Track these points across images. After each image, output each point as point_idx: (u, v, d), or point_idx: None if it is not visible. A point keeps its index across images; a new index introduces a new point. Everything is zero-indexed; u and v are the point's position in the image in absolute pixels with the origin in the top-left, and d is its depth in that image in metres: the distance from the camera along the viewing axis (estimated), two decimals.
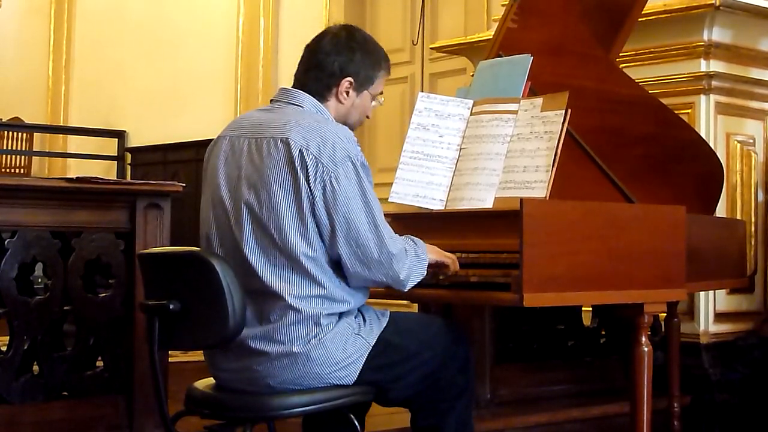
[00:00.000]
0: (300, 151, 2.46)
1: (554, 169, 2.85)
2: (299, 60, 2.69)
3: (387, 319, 2.62)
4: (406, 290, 2.60)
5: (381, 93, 2.75)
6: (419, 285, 2.68)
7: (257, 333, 2.50)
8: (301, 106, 2.63)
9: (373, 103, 2.74)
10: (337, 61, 2.63)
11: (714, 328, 4.21)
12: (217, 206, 2.58)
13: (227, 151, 2.60)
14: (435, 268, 2.69)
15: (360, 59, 2.66)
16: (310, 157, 2.45)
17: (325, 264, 2.50)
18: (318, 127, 2.52)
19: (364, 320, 2.58)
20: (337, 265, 2.52)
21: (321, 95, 2.65)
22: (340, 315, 2.53)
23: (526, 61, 3.15)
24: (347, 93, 2.66)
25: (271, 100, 2.71)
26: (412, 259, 2.56)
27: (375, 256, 2.48)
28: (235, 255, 2.52)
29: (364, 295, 2.63)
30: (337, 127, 2.56)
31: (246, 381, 2.55)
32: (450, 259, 2.72)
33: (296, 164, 2.45)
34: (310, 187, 2.44)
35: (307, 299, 2.47)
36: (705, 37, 4.24)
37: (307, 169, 2.44)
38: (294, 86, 2.68)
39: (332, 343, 2.49)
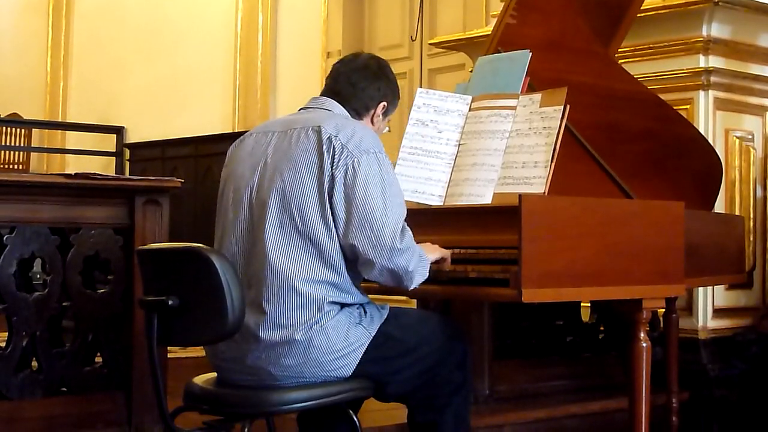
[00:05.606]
0: (329, 137, 2.56)
1: (553, 164, 2.85)
2: (330, 75, 2.83)
3: (387, 312, 2.65)
4: (411, 288, 2.61)
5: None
6: None
7: (260, 318, 2.51)
8: (332, 111, 2.73)
9: (385, 129, 2.91)
10: (379, 86, 2.81)
11: (712, 323, 4.21)
12: (239, 191, 2.64)
13: (253, 145, 2.70)
14: (437, 265, 2.72)
15: (392, 89, 2.86)
16: (338, 142, 2.55)
17: (338, 250, 2.53)
18: (348, 122, 2.67)
19: (365, 311, 2.61)
20: (348, 258, 2.55)
21: (358, 113, 2.78)
22: (342, 305, 2.55)
23: (524, 56, 3.15)
24: (380, 115, 2.83)
25: (300, 109, 2.81)
26: (417, 258, 2.59)
27: (388, 242, 2.51)
28: (250, 236, 2.58)
29: (364, 292, 2.66)
30: (366, 127, 2.72)
31: (247, 370, 2.56)
32: (447, 252, 2.75)
33: (323, 148, 2.55)
34: (332, 170, 2.53)
35: (314, 283, 2.51)
36: (704, 32, 4.23)
37: (333, 153, 2.54)
38: (325, 95, 2.79)
39: (334, 330, 2.52)
